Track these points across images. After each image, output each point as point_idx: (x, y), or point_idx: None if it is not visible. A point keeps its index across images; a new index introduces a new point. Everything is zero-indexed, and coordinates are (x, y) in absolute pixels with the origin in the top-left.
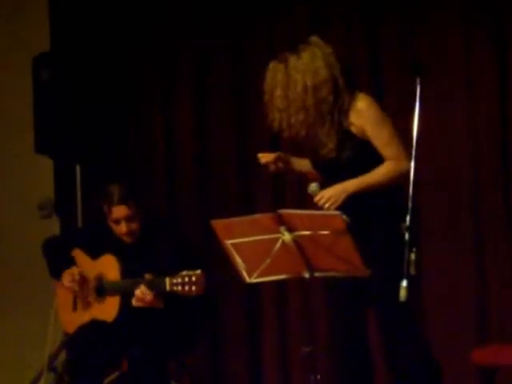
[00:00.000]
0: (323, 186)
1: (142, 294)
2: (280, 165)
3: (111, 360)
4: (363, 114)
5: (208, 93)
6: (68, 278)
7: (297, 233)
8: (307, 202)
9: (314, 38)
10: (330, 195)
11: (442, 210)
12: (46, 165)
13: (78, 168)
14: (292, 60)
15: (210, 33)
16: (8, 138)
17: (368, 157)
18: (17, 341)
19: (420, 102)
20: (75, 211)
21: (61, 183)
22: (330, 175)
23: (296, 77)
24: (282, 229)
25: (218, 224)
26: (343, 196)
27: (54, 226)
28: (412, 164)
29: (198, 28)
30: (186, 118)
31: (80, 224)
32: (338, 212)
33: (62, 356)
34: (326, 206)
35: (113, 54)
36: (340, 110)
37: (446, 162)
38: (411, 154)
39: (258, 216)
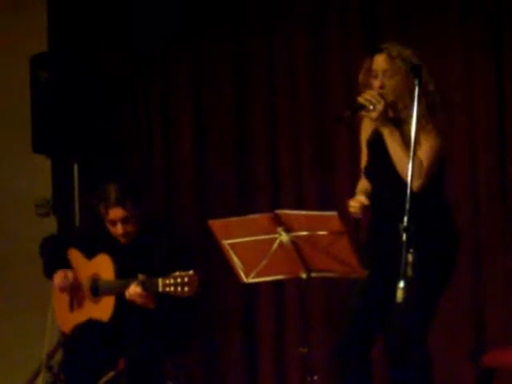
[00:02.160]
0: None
1: (135, 292)
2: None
3: (107, 360)
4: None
5: (207, 94)
6: (60, 278)
7: (294, 233)
8: (304, 203)
9: None
10: (377, 99)
11: None
12: (43, 164)
13: (75, 167)
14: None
15: (208, 33)
16: (6, 138)
17: None
18: (14, 340)
19: (418, 103)
20: (73, 210)
21: (59, 183)
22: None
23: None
24: (280, 229)
25: (216, 224)
26: (380, 109)
27: (51, 225)
28: (410, 165)
29: (197, 28)
30: (185, 119)
31: (77, 223)
32: (335, 212)
33: (59, 355)
34: (365, 95)
35: (111, 53)
36: None
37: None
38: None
39: (255, 216)
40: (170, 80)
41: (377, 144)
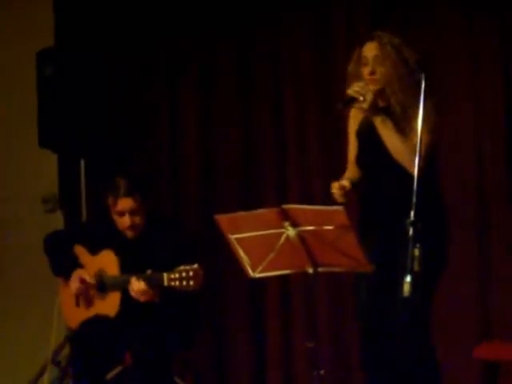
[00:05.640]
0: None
1: (139, 289)
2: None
3: (114, 354)
4: None
5: (212, 91)
6: (77, 283)
7: (301, 228)
8: (311, 197)
9: None
10: (365, 90)
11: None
12: (50, 159)
13: (82, 162)
14: None
15: (213, 32)
16: (13, 133)
17: None
18: (21, 336)
19: (424, 98)
20: (79, 206)
21: (65, 178)
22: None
23: None
24: (287, 224)
25: (223, 219)
26: (370, 99)
27: (58, 221)
28: (416, 160)
29: (201, 26)
30: (191, 115)
31: (84, 219)
32: (341, 207)
33: (66, 350)
34: (353, 87)
35: (117, 48)
36: None
37: (451, 164)
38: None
39: (262, 211)
40: (177, 76)
41: (367, 133)
